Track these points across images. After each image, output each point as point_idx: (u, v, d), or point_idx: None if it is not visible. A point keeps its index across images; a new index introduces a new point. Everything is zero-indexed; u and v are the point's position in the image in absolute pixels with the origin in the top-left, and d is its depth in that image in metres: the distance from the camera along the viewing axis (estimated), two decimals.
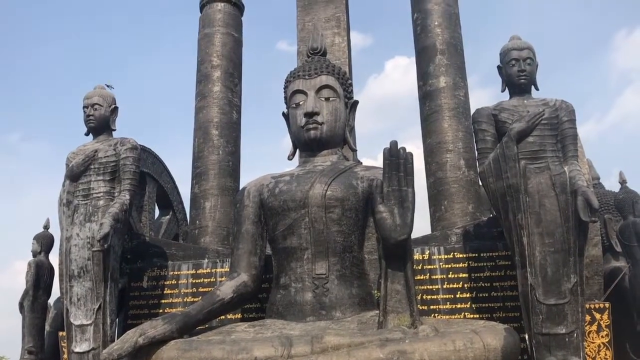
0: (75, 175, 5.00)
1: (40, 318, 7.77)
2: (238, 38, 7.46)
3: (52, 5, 28.33)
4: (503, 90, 4.80)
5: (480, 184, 4.99)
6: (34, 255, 7.98)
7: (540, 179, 4.20)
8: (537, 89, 4.75)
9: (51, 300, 8.12)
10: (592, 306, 4.55)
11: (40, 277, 7.79)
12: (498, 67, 4.82)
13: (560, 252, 4.04)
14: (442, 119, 6.29)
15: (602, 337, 4.56)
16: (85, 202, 4.90)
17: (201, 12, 7.52)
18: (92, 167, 4.99)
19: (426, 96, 6.50)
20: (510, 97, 4.72)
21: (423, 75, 6.59)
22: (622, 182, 7.94)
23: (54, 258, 7.98)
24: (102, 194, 4.91)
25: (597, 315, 4.58)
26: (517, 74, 4.62)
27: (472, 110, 4.86)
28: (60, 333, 5.40)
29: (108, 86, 5.30)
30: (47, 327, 7.92)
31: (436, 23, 6.60)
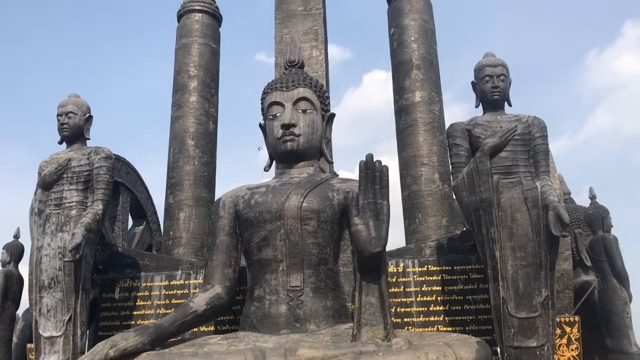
0: (47, 184, 4.92)
1: (8, 329, 7.60)
2: (215, 49, 7.46)
3: (27, 12, 27.95)
4: (477, 106, 4.88)
5: (454, 197, 5.05)
6: (3, 265, 7.83)
7: (513, 194, 4.27)
8: (510, 105, 4.85)
9: (20, 312, 7.95)
10: (562, 320, 4.62)
11: (8, 288, 7.62)
12: (472, 83, 4.90)
13: (532, 265, 4.10)
14: (417, 133, 6.37)
15: (572, 350, 4.63)
16: (58, 211, 4.83)
17: (179, 22, 7.51)
18: (65, 176, 4.92)
19: (402, 110, 6.57)
20: (484, 113, 4.80)
21: (399, 90, 6.67)
22: (592, 197, 8.12)
23: (23, 268, 7.83)
24: (74, 203, 4.84)
25: (568, 329, 4.65)
26: (491, 90, 4.71)
27: (447, 125, 4.93)
28: (29, 345, 5.29)
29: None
30: (14, 339, 7.75)
31: (412, 38, 6.70)
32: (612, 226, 7.71)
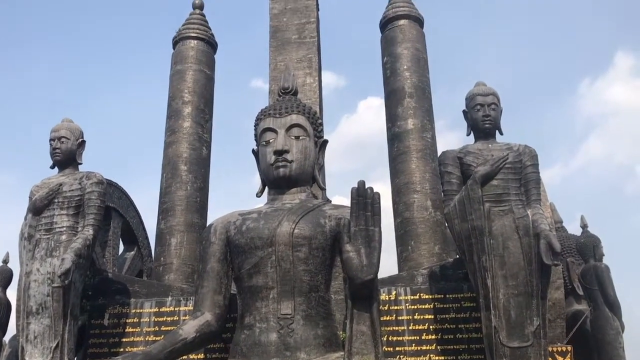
0: (38, 208, 4.90)
1: None
2: (210, 75, 7.51)
3: (19, 37, 28.04)
4: (468, 134, 4.93)
5: (447, 225, 5.06)
6: None
7: (504, 222, 4.28)
8: (501, 133, 4.89)
9: (6, 338, 7.82)
10: (554, 349, 4.59)
11: None
12: (464, 111, 4.96)
13: (524, 294, 4.09)
14: (410, 160, 6.39)
15: None
16: (48, 236, 4.79)
17: (174, 48, 7.57)
18: (56, 200, 4.90)
19: (394, 137, 6.61)
20: (476, 141, 4.84)
21: (392, 117, 6.72)
22: (584, 226, 8.14)
23: (13, 294, 7.74)
24: (65, 228, 4.81)
25: (560, 359, 4.61)
26: (482, 118, 4.76)
27: (440, 153, 4.96)
28: None
29: None
30: None
31: (405, 67, 6.77)
32: (604, 255, 7.72)
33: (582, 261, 7.79)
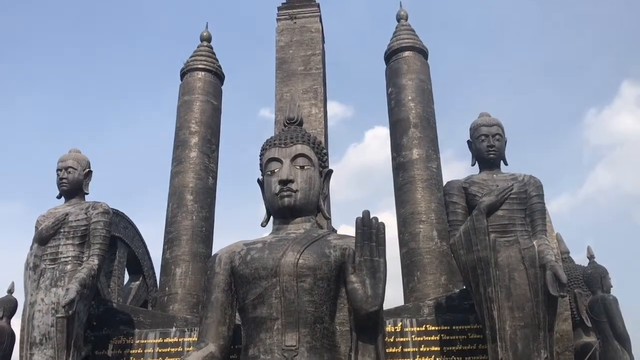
0: (44, 238, 4.91)
1: None
2: (217, 106, 7.61)
3: (30, 64, 28.50)
4: (473, 164, 4.93)
5: (452, 255, 5.03)
6: None
7: (510, 253, 4.25)
8: (506, 163, 4.90)
9: None
10: None
11: None
12: (468, 141, 4.97)
13: (530, 326, 4.04)
14: (415, 190, 6.41)
15: None
16: (53, 266, 4.79)
17: (182, 79, 7.68)
18: (62, 230, 4.92)
19: (400, 167, 6.64)
20: (480, 171, 4.84)
21: (397, 147, 6.76)
22: (590, 257, 8.06)
23: (17, 323, 7.70)
24: (70, 258, 4.81)
25: None
26: (487, 149, 4.77)
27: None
28: None
29: None
30: None
31: (409, 98, 6.84)
32: (612, 286, 7.62)
33: (589, 292, 7.70)
